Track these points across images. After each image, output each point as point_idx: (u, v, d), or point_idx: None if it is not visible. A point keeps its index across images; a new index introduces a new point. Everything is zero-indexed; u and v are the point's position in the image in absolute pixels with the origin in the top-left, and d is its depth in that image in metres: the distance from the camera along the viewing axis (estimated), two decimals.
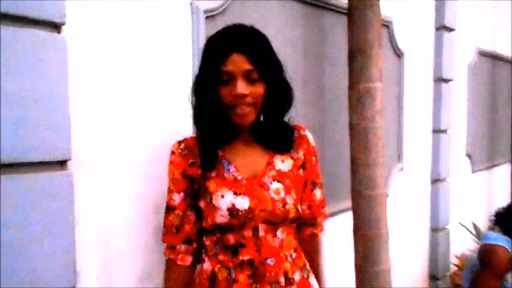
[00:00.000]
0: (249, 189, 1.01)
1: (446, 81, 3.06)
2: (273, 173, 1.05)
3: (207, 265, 1.06)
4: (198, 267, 1.11)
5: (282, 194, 1.02)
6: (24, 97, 1.06)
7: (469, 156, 3.61)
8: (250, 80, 0.97)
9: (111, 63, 1.29)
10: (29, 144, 1.08)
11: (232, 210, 0.98)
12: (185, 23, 1.48)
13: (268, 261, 1.01)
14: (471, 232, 3.33)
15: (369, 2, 1.80)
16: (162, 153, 1.42)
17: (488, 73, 3.86)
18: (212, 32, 1.51)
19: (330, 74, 2.10)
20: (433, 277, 3.12)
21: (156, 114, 1.42)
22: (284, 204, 1.02)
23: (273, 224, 1.02)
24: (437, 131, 3.04)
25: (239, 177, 1.03)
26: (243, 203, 0.99)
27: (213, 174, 1.04)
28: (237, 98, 0.97)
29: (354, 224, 1.86)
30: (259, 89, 0.99)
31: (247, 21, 1.64)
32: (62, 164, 1.15)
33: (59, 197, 1.13)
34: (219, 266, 1.03)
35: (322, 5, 2.00)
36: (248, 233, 1.00)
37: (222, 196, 1.00)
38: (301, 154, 1.11)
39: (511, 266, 1.80)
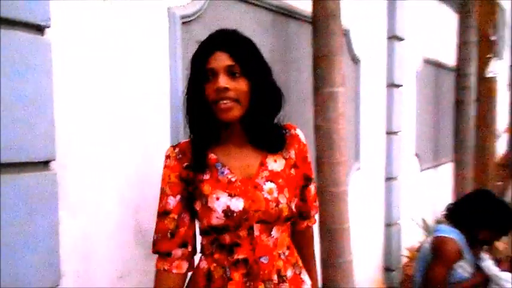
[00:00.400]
0: (243, 191, 1.03)
1: (397, 86, 3.30)
2: (265, 173, 1.06)
3: (203, 264, 1.08)
4: (195, 267, 1.13)
5: (275, 194, 1.04)
6: (9, 98, 1.07)
7: (417, 156, 3.90)
8: (232, 75, 0.99)
9: (91, 67, 1.32)
10: (13, 145, 1.08)
11: (227, 212, 1.00)
12: (162, 27, 1.53)
13: (262, 259, 1.03)
14: (420, 226, 3.60)
15: (331, 12, 1.94)
16: (140, 154, 1.46)
17: (433, 80, 4.20)
18: (188, 36, 1.58)
19: (295, 79, 2.22)
20: (387, 269, 3.34)
21: (134, 117, 1.45)
22: (277, 203, 1.03)
23: (268, 223, 1.04)
24: (389, 132, 3.27)
25: (233, 179, 1.04)
26: (237, 204, 1.01)
27: (207, 177, 1.05)
28: (219, 92, 0.98)
29: (319, 220, 1.98)
30: (242, 85, 1.00)
31: (220, 25, 1.73)
32: (45, 164, 1.17)
33: (43, 197, 1.15)
34: (214, 264, 1.05)
35: (288, 13, 2.12)
36: (243, 232, 1.02)
37: (217, 198, 1.01)
38: (292, 153, 1.12)
39: (459, 256, 1.99)
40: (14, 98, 1.08)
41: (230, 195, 1.01)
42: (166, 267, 1.08)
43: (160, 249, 1.09)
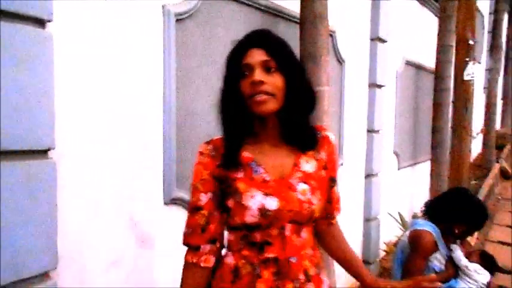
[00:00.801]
0: (277, 190, 1.03)
1: (379, 86, 3.42)
2: (299, 174, 1.07)
3: (230, 259, 1.08)
4: (220, 262, 1.13)
5: (308, 195, 1.05)
6: (11, 89, 1.12)
7: (396, 154, 4.05)
8: (267, 70, 0.99)
9: (88, 62, 1.37)
10: (14, 133, 1.13)
11: (262, 211, 1.01)
12: (157, 24, 1.59)
13: (292, 259, 1.05)
14: (397, 221, 3.74)
15: (319, 14, 2.03)
16: (134, 147, 1.52)
17: (413, 81, 4.35)
18: (181, 33, 1.64)
19: None
20: (365, 262, 3.47)
21: (128, 110, 1.51)
22: (310, 204, 1.05)
23: (299, 223, 1.05)
24: (371, 131, 3.39)
25: (267, 178, 1.04)
26: (272, 203, 1.01)
27: (241, 175, 1.05)
28: (255, 86, 0.98)
29: None
30: (277, 79, 1.00)
31: (212, 24, 1.80)
32: (45, 152, 1.22)
33: (42, 184, 1.20)
34: (243, 261, 1.05)
35: (277, 13, 2.20)
36: (275, 231, 1.03)
37: (252, 197, 1.01)
38: (323, 155, 1.13)
39: (435, 248, 2.11)
40: (16, 88, 1.13)
41: (265, 194, 1.02)
42: (195, 261, 1.09)
43: (190, 242, 1.09)
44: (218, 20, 1.84)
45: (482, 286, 2.22)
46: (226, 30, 1.88)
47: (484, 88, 7.31)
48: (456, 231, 2.12)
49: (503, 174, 6.89)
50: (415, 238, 2.11)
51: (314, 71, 2.01)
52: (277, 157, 1.07)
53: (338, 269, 2.44)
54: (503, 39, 9.67)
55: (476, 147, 7.46)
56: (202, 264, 1.08)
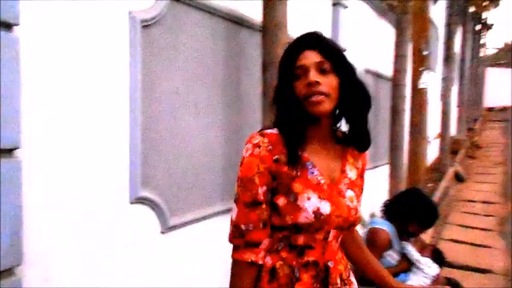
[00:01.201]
0: (330, 195, 1.04)
1: None
2: (346, 180, 1.08)
3: (267, 259, 1.05)
4: None
5: (355, 202, 1.07)
6: None
7: None
8: (322, 71, 1.00)
9: (55, 65, 1.41)
10: None
11: (317, 214, 1.01)
12: (123, 30, 1.65)
13: (329, 263, 1.06)
14: None
15: (279, 23, 2.15)
16: (99, 149, 1.57)
17: (372, 89, 4.57)
18: (147, 39, 1.71)
19: (246, 82, 2.40)
20: None
21: (94, 113, 1.56)
22: (356, 212, 1.07)
23: (342, 229, 1.07)
24: None
25: (322, 181, 1.04)
26: (325, 207, 1.02)
27: (298, 174, 1.03)
28: (311, 86, 0.99)
29: None
30: (332, 80, 1.01)
31: (177, 31, 1.88)
32: (11, 151, 1.25)
33: (7, 182, 1.23)
34: (281, 262, 1.04)
35: (240, 22, 2.30)
36: (320, 236, 1.04)
37: (308, 198, 1.01)
38: (360, 164, 1.15)
39: (389, 245, 2.27)
40: None
41: (319, 197, 1.02)
42: (253, 258, 1.02)
43: (252, 239, 1.03)
44: (182, 27, 1.92)
45: (432, 278, 2.40)
46: (190, 37, 1.97)
47: (441, 96, 7.73)
48: (410, 229, 2.29)
49: (457, 178, 7.29)
50: (371, 235, 2.26)
51: (275, 76, 2.11)
52: (328, 159, 1.08)
53: None
54: (459, 50, 10.30)
55: (433, 152, 7.86)
56: (260, 262, 1.03)
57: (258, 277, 1.04)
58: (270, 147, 1.02)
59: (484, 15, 14.08)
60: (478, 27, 14.06)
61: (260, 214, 1.02)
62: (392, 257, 2.41)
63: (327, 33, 3.39)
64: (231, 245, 1.04)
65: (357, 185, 1.10)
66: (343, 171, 1.08)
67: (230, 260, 1.02)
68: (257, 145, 1.03)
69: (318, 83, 0.98)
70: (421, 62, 4.99)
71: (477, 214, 5.41)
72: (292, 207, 1.01)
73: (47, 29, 1.38)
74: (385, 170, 4.53)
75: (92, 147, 1.54)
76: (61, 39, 1.43)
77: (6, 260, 1.24)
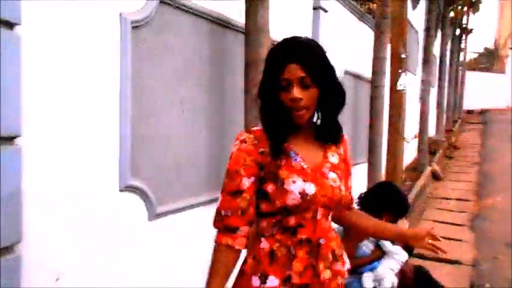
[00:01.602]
0: (313, 177, 1.16)
1: None
2: (328, 165, 1.21)
3: (264, 244, 1.17)
4: (250, 247, 1.20)
5: (338, 183, 1.20)
6: None
7: None
8: (304, 86, 1.11)
9: (50, 63, 1.53)
10: None
11: (303, 194, 1.13)
12: (114, 31, 1.77)
13: (321, 240, 1.18)
14: None
15: (261, 27, 2.30)
16: (90, 140, 1.70)
17: (351, 89, 4.76)
18: (137, 39, 1.84)
19: (229, 81, 2.55)
20: None
21: (87, 107, 1.68)
22: (340, 191, 1.20)
23: (329, 208, 1.19)
24: None
25: (305, 166, 1.17)
26: (310, 188, 1.14)
27: (283, 162, 1.16)
28: (293, 101, 1.11)
29: None
30: (312, 93, 1.13)
31: (165, 32, 2.01)
32: (12, 139, 1.37)
33: (8, 167, 1.35)
34: (277, 244, 1.16)
35: (225, 24, 2.45)
36: (308, 215, 1.16)
37: (294, 182, 1.13)
38: (341, 150, 1.29)
39: (365, 236, 2.44)
40: None
41: (304, 180, 1.14)
42: (229, 243, 1.14)
43: (230, 224, 1.14)
44: (170, 28, 2.05)
45: (401, 263, 2.59)
46: (177, 38, 2.10)
47: (420, 98, 7.99)
48: (384, 219, 2.47)
49: (434, 176, 7.56)
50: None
51: (257, 76, 2.26)
52: (310, 149, 1.22)
53: None
54: (438, 54, 10.62)
55: (412, 152, 8.12)
56: (236, 247, 1.14)
57: (259, 261, 1.16)
58: (256, 141, 1.16)
59: (464, 20, 14.52)
60: (458, 31, 14.48)
61: (240, 202, 1.14)
62: (367, 246, 2.60)
63: (308, 35, 3.56)
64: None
65: (340, 168, 1.24)
66: (325, 157, 1.22)
67: (212, 246, 1.16)
68: (244, 141, 1.17)
69: (300, 99, 1.11)
70: (399, 64, 5.19)
71: (451, 210, 5.67)
72: (280, 192, 1.13)
73: (44, 28, 1.50)
74: (364, 168, 4.72)
75: (85, 138, 1.67)
76: (57, 37, 1.55)
77: (7, 238, 1.36)
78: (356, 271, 2.39)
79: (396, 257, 2.63)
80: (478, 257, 3.96)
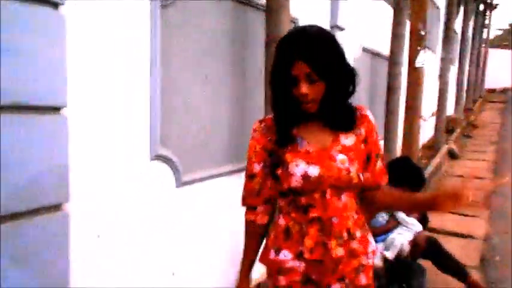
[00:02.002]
0: (319, 160, 1.22)
1: None
2: (338, 147, 1.25)
3: (281, 221, 1.28)
4: (273, 223, 1.34)
5: (347, 164, 1.23)
6: (33, 59, 1.42)
7: None
8: (311, 81, 1.16)
9: (92, 41, 1.67)
10: (36, 92, 1.43)
11: (305, 176, 1.20)
12: (145, 10, 1.89)
13: (333, 219, 1.23)
14: None
15: (282, 4, 2.38)
16: (123, 110, 1.84)
17: (369, 67, 4.79)
18: (165, 18, 1.96)
19: (250, 57, 2.65)
20: None
21: (121, 79, 1.82)
22: (348, 172, 1.22)
23: (339, 188, 1.24)
24: None
25: (310, 150, 1.24)
26: (313, 170, 1.21)
27: (289, 148, 1.24)
28: (301, 96, 1.18)
29: None
30: (319, 87, 1.17)
31: (191, 11, 2.12)
32: (58, 109, 1.52)
33: (57, 135, 1.51)
34: (292, 222, 1.26)
35: (247, 2, 2.54)
36: (317, 195, 1.22)
37: (297, 165, 1.21)
38: (362, 131, 1.28)
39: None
40: (35, 58, 1.43)
41: (308, 163, 1.22)
42: (252, 218, 1.34)
43: (248, 203, 1.35)
44: (194, 8, 2.16)
45: (414, 232, 2.72)
46: (201, 17, 2.21)
47: (439, 76, 7.90)
48: None
49: (451, 154, 7.57)
50: None
51: None
52: (320, 134, 1.27)
53: None
54: (460, 31, 10.38)
55: (430, 131, 8.11)
56: (258, 222, 1.34)
57: (276, 237, 1.29)
58: (265, 130, 1.29)
59: None
60: (482, 7, 14.03)
61: (255, 185, 1.32)
62: (382, 217, 2.74)
63: (327, 12, 3.60)
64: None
65: (355, 150, 1.25)
66: (335, 140, 1.26)
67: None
68: (255, 130, 1.32)
69: (307, 94, 1.17)
70: (418, 42, 5.15)
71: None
72: (286, 174, 1.23)
73: (84, 8, 1.63)
74: (380, 146, 4.79)
75: (120, 110, 1.82)
76: (95, 16, 1.68)
77: (56, 197, 1.53)
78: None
79: (410, 227, 2.77)
80: (490, 232, 4.05)
